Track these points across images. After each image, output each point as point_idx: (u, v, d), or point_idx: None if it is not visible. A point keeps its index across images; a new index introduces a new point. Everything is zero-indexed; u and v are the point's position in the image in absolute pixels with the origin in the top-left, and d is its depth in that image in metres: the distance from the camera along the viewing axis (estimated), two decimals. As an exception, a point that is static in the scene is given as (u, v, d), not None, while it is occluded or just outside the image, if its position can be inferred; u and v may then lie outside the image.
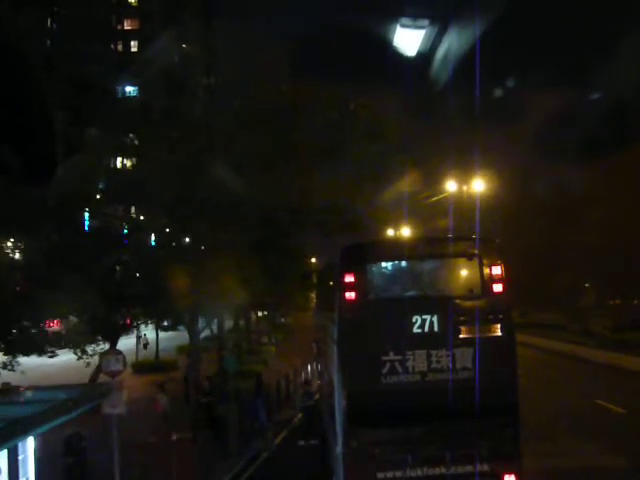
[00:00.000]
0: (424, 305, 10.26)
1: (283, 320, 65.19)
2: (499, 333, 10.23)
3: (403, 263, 11.09)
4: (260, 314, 54.55)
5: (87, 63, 21.28)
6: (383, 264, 11.02)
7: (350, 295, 10.24)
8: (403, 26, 10.88)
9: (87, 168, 21.60)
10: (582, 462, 14.93)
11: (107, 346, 21.93)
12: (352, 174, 22.25)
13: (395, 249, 11.28)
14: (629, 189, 38.45)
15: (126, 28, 57.33)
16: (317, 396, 21.75)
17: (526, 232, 39.37)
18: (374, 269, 10.87)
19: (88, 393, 10.42)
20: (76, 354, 21.46)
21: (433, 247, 11.03)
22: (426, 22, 11.05)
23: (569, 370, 31.30)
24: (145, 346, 40.92)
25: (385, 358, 10.05)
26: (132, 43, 54.45)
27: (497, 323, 10.25)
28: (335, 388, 10.88)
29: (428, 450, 10.17)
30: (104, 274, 23.61)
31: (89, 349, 21.41)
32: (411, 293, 10.89)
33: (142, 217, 27.78)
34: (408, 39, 11.27)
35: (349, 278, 10.25)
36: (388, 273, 11.22)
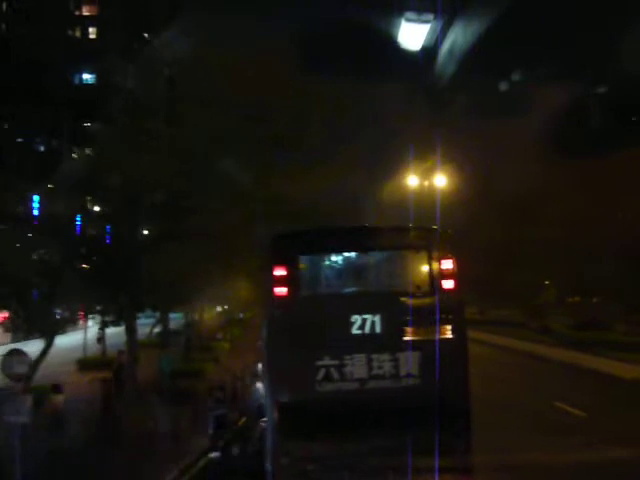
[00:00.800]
0: (365, 303, 9.12)
1: (242, 315, 63.83)
2: (449, 335, 9.15)
3: (342, 255, 9.98)
4: (220, 309, 53.41)
5: (45, 48, 20.52)
6: (319, 256, 9.88)
7: (280, 291, 9.03)
8: (408, 20, 10.54)
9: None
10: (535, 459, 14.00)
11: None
12: (301, 162, 21.37)
13: (333, 239, 9.96)
14: (591, 188, 38.01)
15: (85, 14, 55.99)
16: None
17: (486, 226, 38.67)
18: (309, 261, 9.72)
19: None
20: None
21: (376, 237, 9.83)
22: (431, 16, 10.64)
23: (527, 369, 30.65)
24: (99, 340, 39.68)
25: (320, 363, 8.91)
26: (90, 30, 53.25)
27: (447, 324, 9.16)
28: (265, 395, 9.75)
29: (369, 466, 9.08)
30: (41, 265, 22.67)
31: None
32: (350, 289, 9.78)
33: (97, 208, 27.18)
34: (413, 33, 11.06)
35: (279, 271, 9.05)
36: (325, 266, 10.05)
